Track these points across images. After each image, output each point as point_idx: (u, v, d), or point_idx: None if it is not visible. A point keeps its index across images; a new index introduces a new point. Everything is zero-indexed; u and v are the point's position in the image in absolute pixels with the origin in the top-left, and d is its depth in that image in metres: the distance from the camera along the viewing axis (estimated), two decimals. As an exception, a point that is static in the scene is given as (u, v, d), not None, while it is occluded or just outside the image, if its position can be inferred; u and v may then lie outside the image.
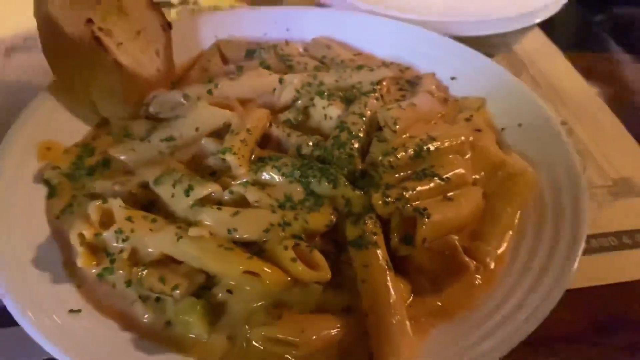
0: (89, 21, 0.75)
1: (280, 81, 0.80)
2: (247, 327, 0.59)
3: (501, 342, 0.55)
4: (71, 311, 0.60)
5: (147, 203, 0.68)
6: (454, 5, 1.08)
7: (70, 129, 0.77)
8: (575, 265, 0.61)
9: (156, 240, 0.63)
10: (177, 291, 0.59)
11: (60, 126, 0.77)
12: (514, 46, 1.06)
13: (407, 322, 0.60)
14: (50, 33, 0.79)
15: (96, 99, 0.78)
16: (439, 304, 0.63)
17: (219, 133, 0.73)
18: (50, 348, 0.54)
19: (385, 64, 0.89)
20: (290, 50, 0.89)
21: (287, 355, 0.58)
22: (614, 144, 0.88)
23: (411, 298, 0.63)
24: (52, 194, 0.71)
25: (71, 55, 0.77)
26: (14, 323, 0.60)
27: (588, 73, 1.00)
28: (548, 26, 1.08)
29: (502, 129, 0.80)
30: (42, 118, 0.76)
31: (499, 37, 1.03)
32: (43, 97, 0.77)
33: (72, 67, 0.78)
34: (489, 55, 0.97)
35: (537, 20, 1.06)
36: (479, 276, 0.65)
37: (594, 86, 0.99)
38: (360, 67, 0.83)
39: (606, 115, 0.93)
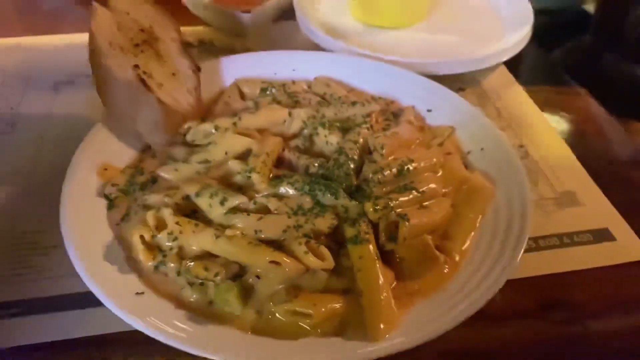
0: (136, 67, 0.86)
1: (290, 114, 0.90)
2: (271, 303, 0.69)
3: (464, 310, 0.67)
4: (137, 293, 0.70)
5: (189, 212, 0.78)
6: (431, 48, 1.18)
7: (121, 154, 0.87)
8: (519, 258, 0.72)
9: (199, 239, 0.73)
10: (218, 277, 0.70)
11: (113, 151, 0.87)
12: (482, 81, 1.16)
13: (392, 300, 0.69)
14: (103, 76, 0.87)
15: (141, 130, 0.87)
16: (416, 287, 0.73)
17: (243, 156, 0.83)
18: (128, 319, 0.65)
19: (373, 99, 0.99)
20: (296, 88, 0.99)
21: (302, 324, 0.68)
22: (561, 163, 0.98)
23: (395, 283, 0.73)
24: (111, 205, 0.80)
25: (121, 94, 0.86)
26: (100, 304, 0.68)
27: (542, 104, 1.10)
28: (511, 63, 1.16)
29: (468, 152, 0.90)
30: (99, 145, 0.86)
31: (469, 74, 1.11)
32: (98, 127, 0.88)
33: (121, 104, 0.87)
34: (461, 89, 1.09)
35: (502, 60, 1.13)
36: (447, 266, 0.74)
37: (546, 114, 1.08)
38: (354, 103, 0.94)
39: (556, 139, 1.03)
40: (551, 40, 1.37)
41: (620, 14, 1.30)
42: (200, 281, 0.71)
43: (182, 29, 0.99)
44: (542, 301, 0.78)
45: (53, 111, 1.05)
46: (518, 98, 1.13)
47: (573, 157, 1.00)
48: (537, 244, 0.84)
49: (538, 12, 1.22)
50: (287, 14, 1.27)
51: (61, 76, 1.13)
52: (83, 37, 1.10)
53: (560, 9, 1.51)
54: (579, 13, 1.54)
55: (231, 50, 1.21)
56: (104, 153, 0.87)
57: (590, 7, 1.51)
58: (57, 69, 1.14)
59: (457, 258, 0.76)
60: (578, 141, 1.04)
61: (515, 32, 1.18)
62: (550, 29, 1.39)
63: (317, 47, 1.16)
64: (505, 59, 1.14)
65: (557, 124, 1.08)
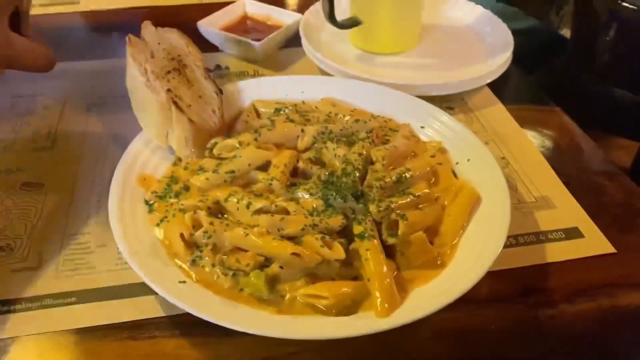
0: (168, 91, 0.94)
1: (302, 131, 0.97)
2: (293, 288, 0.77)
3: (453, 293, 0.74)
4: (180, 282, 0.78)
5: (219, 214, 0.86)
6: (422, 72, 1.26)
7: (157, 166, 0.95)
8: (499, 252, 0.78)
9: (230, 236, 0.80)
10: (248, 267, 0.78)
11: (150, 163, 0.95)
12: (468, 101, 1.22)
13: (394, 285, 0.77)
14: (139, 99, 0.96)
15: (174, 145, 0.95)
16: (414, 275, 0.80)
17: (263, 167, 0.91)
18: (177, 303, 0.72)
19: (373, 117, 1.05)
20: (306, 108, 1.06)
21: (319, 306, 0.76)
22: (537, 172, 1.05)
23: (396, 272, 0.80)
24: (151, 210, 0.88)
25: (155, 114, 0.94)
26: (141, 293, 0.80)
27: (522, 120, 1.17)
28: (494, 84, 1.23)
29: (456, 162, 0.97)
30: (137, 157, 0.95)
31: (457, 94, 1.19)
32: (136, 142, 0.96)
33: (156, 122, 0.94)
34: (450, 107, 1.16)
35: (486, 82, 1.21)
36: (439, 258, 0.82)
37: (525, 130, 1.15)
38: (357, 120, 1.00)
39: (533, 152, 1.09)
40: (531, 63, 1.43)
41: (591, 38, 1.38)
42: (233, 272, 0.78)
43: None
44: (520, 288, 0.85)
45: (87, 129, 1.12)
46: (500, 115, 1.19)
47: (548, 166, 1.06)
48: (516, 241, 0.92)
49: (519, 33, 1.29)
50: (294, 41, 1.34)
51: (94, 98, 1.20)
52: (112, 63, 1.20)
53: (537, 30, 1.59)
54: (556, 37, 1.62)
55: (244, 74, 1.29)
56: (142, 165, 0.94)
57: (566, 32, 1.59)
58: (89, 92, 1.22)
59: (447, 251, 0.83)
60: (553, 153, 1.11)
61: (497, 56, 1.25)
62: (530, 52, 1.47)
63: (320, 71, 1.24)
64: (489, 81, 1.22)
65: (534, 138, 1.14)
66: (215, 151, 0.95)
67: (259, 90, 1.11)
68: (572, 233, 0.94)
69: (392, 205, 0.84)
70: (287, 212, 0.85)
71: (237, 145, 0.94)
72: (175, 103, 0.93)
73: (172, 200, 0.89)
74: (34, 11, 1.03)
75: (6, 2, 0.94)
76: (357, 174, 0.89)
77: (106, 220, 0.84)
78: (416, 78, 1.22)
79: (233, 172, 0.90)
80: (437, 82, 1.17)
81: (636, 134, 1.41)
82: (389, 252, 0.82)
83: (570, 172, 1.06)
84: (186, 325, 0.79)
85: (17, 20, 0.94)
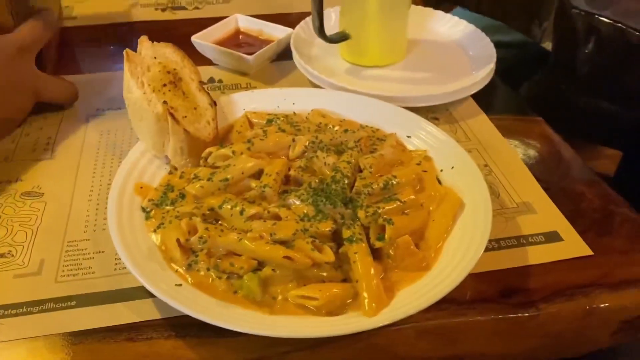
0: (164, 103, 0.97)
1: (293, 140, 0.99)
2: (285, 290, 0.80)
3: (437, 293, 0.76)
4: (176, 285, 0.80)
5: (213, 220, 0.89)
6: (408, 84, 1.29)
7: (153, 174, 0.98)
8: (480, 254, 0.81)
9: (225, 241, 0.83)
10: (242, 271, 0.81)
11: (147, 172, 0.98)
12: (453, 111, 1.25)
13: (381, 286, 0.80)
14: (136, 111, 0.99)
15: (170, 154, 0.98)
16: (400, 277, 0.83)
17: (256, 175, 0.94)
18: (174, 305, 0.75)
19: (362, 127, 1.08)
20: (297, 119, 1.08)
21: (309, 307, 0.79)
22: (519, 178, 1.07)
23: (383, 274, 0.83)
24: (147, 217, 0.90)
25: (152, 125, 0.97)
26: (152, 295, 0.79)
27: (504, 130, 1.20)
28: (478, 95, 1.26)
29: (441, 170, 0.99)
30: (134, 166, 0.97)
31: (442, 105, 1.22)
32: (134, 152, 0.99)
33: (152, 133, 0.97)
34: (435, 118, 1.19)
35: (470, 94, 1.24)
36: (424, 261, 0.85)
37: (508, 139, 1.18)
38: (346, 130, 1.04)
39: (515, 160, 1.12)
40: (514, 75, 1.46)
41: (572, 51, 1.42)
42: (227, 275, 0.81)
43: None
44: (501, 289, 0.87)
45: (85, 140, 1.15)
46: (483, 125, 1.22)
47: (530, 174, 1.09)
48: (498, 244, 0.94)
49: (503, 46, 1.32)
50: (285, 54, 1.37)
51: (92, 110, 1.24)
52: (109, 76, 1.25)
53: (519, 43, 1.63)
54: (539, 50, 1.67)
55: (236, 86, 1.31)
56: (138, 173, 0.97)
57: (547, 45, 1.62)
58: (88, 103, 1.25)
59: (432, 254, 0.86)
60: (534, 161, 1.13)
61: (481, 69, 1.27)
62: (514, 65, 1.51)
63: (311, 83, 1.26)
64: (473, 92, 1.24)
65: (516, 146, 1.17)
66: (209, 160, 0.97)
67: (251, 102, 1.13)
68: (552, 237, 0.97)
69: (380, 211, 0.87)
70: (279, 218, 0.87)
71: (231, 154, 0.96)
72: (171, 114, 0.96)
73: (169, 207, 0.92)
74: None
75: (33, 44, 1.10)
76: (346, 181, 0.92)
77: (104, 227, 0.88)
78: (403, 90, 1.25)
79: (227, 180, 0.93)
80: (423, 93, 1.19)
81: (618, 144, 1.46)
82: (377, 255, 0.84)
83: (550, 178, 1.08)
84: (182, 326, 0.80)
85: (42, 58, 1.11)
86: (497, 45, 1.35)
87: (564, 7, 1.42)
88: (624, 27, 1.32)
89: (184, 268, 0.85)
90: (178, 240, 0.85)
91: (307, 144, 1.00)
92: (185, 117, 1.00)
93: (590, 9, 1.35)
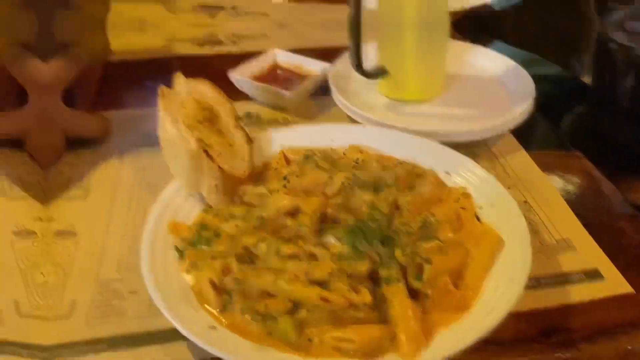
0: (199, 140, 0.97)
1: (330, 177, 0.99)
2: (321, 332, 0.79)
3: (477, 333, 0.75)
4: (210, 327, 0.80)
5: (248, 259, 0.88)
6: (447, 119, 1.28)
7: (187, 212, 0.98)
8: (520, 295, 0.80)
9: (260, 282, 0.82)
10: (278, 312, 0.80)
11: (181, 210, 0.98)
12: (492, 147, 1.24)
13: (419, 327, 0.78)
14: (170, 148, 0.99)
15: (204, 192, 0.98)
16: (438, 318, 0.81)
17: (292, 212, 0.92)
18: (208, 348, 0.75)
19: (400, 163, 1.07)
20: (334, 155, 1.08)
21: (345, 347, 0.78)
22: (559, 216, 1.06)
23: (421, 314, 0.81)
24: (181, 256, 0.90)
25: (186, 163, 0.96)
26: (171, 339, 0.82)
27: (544, 166, 1.18)
28: (517, 130, 1.25)
29: (480, 207, 0.98)
30: (168, 205, 0.98)
31: (481, 141, 1.21)
32: (168, 190, 0.99)
33: (186, 170, 0.97)
34: (474, 153, 1.15)
35: (508, 129, 1.23)
36: (464, 301, 0.83)
37: (547, 175, 1.17)
38: (384, 167, 1.03)
39: (555, 196, 1.11)
40: (554, 109, 1.44)
41: (612, 85, 1.40)
42: (262, 317, 0.81)
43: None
44: (542, 329, 0.85)
45: (120, 178, 1.16)
46: (523, 161, 1.20)
47: (569, 210, 1.06)
48: (538, 283, 0.92)
49: (542, 80, 1.31)
50: (323, 89, 1.37)
51: (126, 147, 1.23)
52: (144, 113, 1.24)
53: (559, 77, 1.61)
54: (578, 84, 1.65)
55: (274, 121, 1.31)
56: (173, 212, 0.97)
57: (587, 79, 1.60)
58: (122, 141, 1.25)
59: (471, 294, 0.83)
60: (574, 197, 1.11)
61: (519, 104, 1.26)
62: (552, 99, 1.47)
63: (349, 118, 1.26)
64: (511, 127, 1.21)
65: (555, 182, 1.15)
66: (245, 198, 0.97)
67: (288, 138, 1.14)
68: (593, 274, 0.95)
69: (418, 250, 0.85)
70: (316, 257, 0.87)
71: (267, 192, 0.97)
72: (205, 152, 0.96)
73: (203, 246, 0.92)
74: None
75: (56, 82, 1.11)
76: (384, 220, 0.90)
77: (138, 267, 0.86)
78: (441, 125, 1.22)
79: (262, 218, 0.92)
80: (462, 129, 1.18)
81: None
82: (414, 294, 0.82)
83: (591, 215, 1.06)
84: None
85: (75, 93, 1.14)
86: (536, 78, 1.34)
87: (603, 41, 1.40)
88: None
89: (217, 310, 0.84)
90: (212, 281, 0.85)
91: (344, 181, 0.99)
92: (221, 154, 0.99)
93: (629, 42, 1.33)
